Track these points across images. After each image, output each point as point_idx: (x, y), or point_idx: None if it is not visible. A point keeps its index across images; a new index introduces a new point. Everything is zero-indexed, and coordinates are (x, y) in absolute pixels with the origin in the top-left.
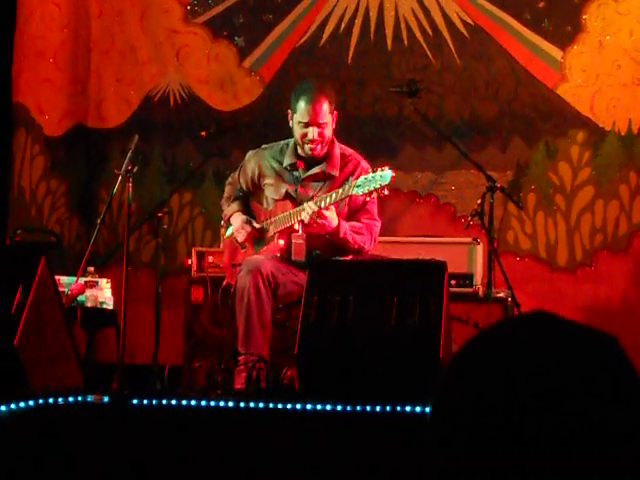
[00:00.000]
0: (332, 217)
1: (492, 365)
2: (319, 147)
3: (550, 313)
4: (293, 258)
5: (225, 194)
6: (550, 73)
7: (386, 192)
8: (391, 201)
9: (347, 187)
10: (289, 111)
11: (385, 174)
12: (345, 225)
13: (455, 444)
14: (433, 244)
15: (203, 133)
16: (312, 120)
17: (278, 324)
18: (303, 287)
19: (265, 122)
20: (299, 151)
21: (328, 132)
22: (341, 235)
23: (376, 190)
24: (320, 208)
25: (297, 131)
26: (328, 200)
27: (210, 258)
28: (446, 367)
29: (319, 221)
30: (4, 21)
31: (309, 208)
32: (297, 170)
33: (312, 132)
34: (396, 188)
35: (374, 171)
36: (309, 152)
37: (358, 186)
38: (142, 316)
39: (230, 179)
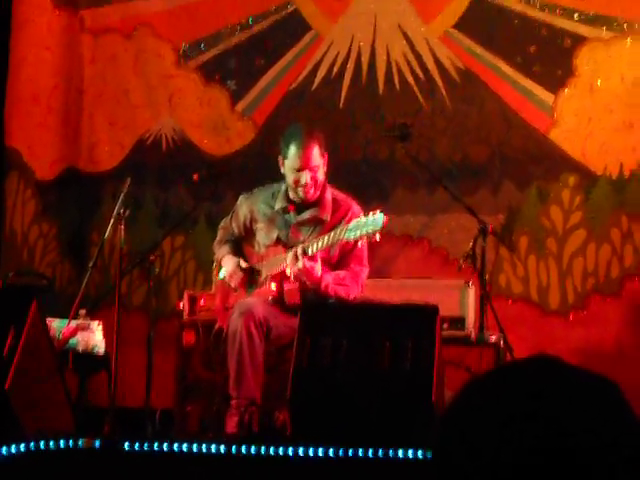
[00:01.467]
0: (315, 268)
1: (489, 413)
2: (312, 191)
3: (551, 357)
4: (287, 302)
5: (217, 237)
6: (541, 117)
7: (377, 238)
8: (384, 244)
9: (339, 231)
10: (280, 157)
11: (377, 218)
12: (328, 278)
13: None
14: (425, 287)
15: (195, 177)
16: (304, 165)
17: (270, 367)
18: (295, 330)
19: (258, 165)
20: (291, 195)
21: (320, 175)
22: (322, 289)
23: (367, 235)
24: (305, 254)
25: (289, 177)
26: (318, 245)
27: (202, 301)
28: (441, 415)
29: (302, 271)
30: None
31: (290, 256)
32: (288, 214)
33: (305, 177)
34: (389, 231)
35: (366, 215)
36: (302, 196)
37: (350, 230)
38: (134, 359)
39: (223, 223)
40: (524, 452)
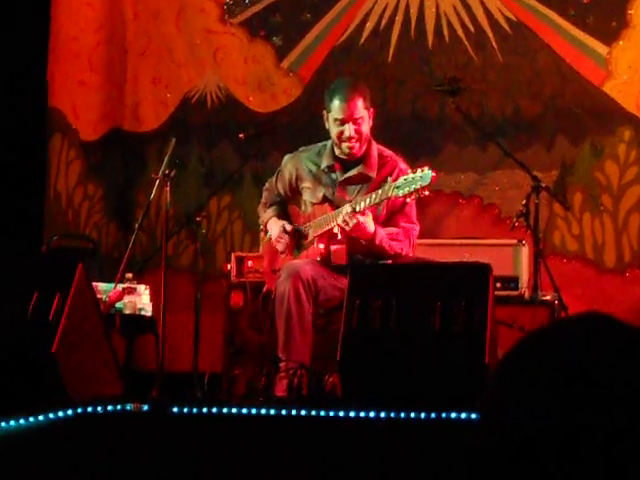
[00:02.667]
0: (368, 223)
1: (543, 368)
2: (356, 145)
3: (604, 314)
4: (333, 262)
5: (262, 200)
6: (595, 69)
7: (426, 193)
8: (434, 203)
9: (386, 188)
10: (324, 112)
11: (425, 174)
12: (381, 232)
13: (504, 454)
14: (477, 246)
15: (241, 135)
16: (347, 116)
17: (319, 330)
18: (344, 292)
19: (304, 123)
20: (336, 152)
21: (365, 129)
22: (377, 242)
23: (416, 191)
24: (355, 212)
25: (333, 130)
26: (365, 203)
27: (249, 263)
28: (493, 372)
29: (354, 227)
30: (38, 24)
31: (345, 212)
32: (334, 172)
33: (348, 129)
34: (438, 189)
35: (414, 171)
36: (347, 151)
37: (397, 187)
38: (181, 322)
39: (267, 185)
40: (580, 411)
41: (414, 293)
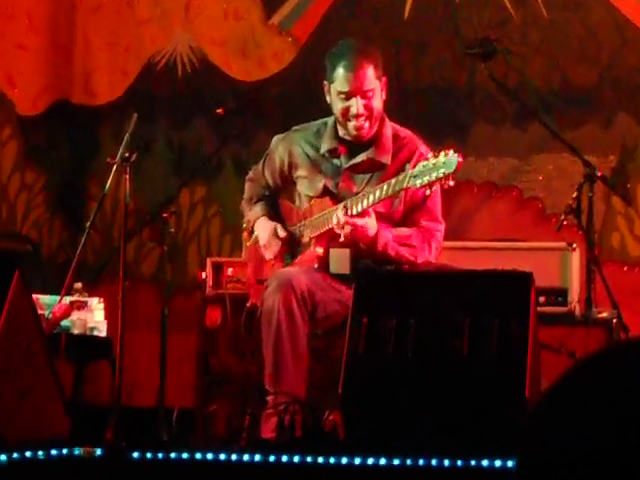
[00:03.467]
0: (368, 225)
1: (599, 406)
2: (367, 124)
3: None
4: (332, 270)
5: (246, 194)
6: None
7: (451, 183)
8: (461, 196)
9: (401, 178)
10: (325, 82)
11: (450, 160)
12: (386, 235)
13: None
14: (515, 250)
15: (219, 110)
16: (355, 89)
17: (317, 355)
18: (348, 307)
19: (299, 96)
20: (340, 132)
21: (377, 103)
22: (379, 249)
23: (438, 180)
24: (349, 215)
25: (337, 106)
26: (375, 197)
27: (230, 271)
28: (534, 410)
29: (348, 231)
30: None
31: (337, 215)
32: (338, 158)
33: (356, 105)
34: (467, 179)
35: (435, 156)
36: (354, 132)
37: (415, 176)
38: (144, 345)
39: (251, 174)
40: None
41: (436, 309)
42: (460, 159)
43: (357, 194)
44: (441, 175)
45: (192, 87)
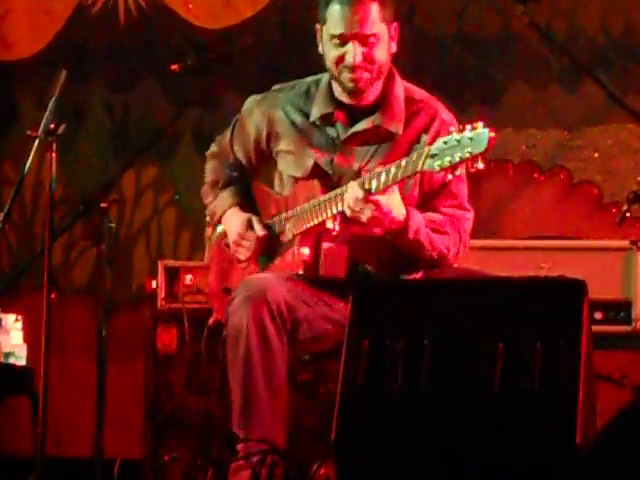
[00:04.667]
0: (394, 205)
1: None
2: (366, 75)
3: None
4: (322, 272)
5: (208, 176)
6: None
7: (480, 166)
8: (492, 179)
9: (415, 157)
10: (317, 25)
11: (479, 135)
12: (417, 218)
13: None
14: (563, 251)
15: (175, 67)
16: (352, 31)
17: (301, 389)
18: (343, 326)
19: (281, 47)
20: (337, 93)
21: (380, 54)
22: (410, 236)
23: (464, 162)
24: (369, 192)
25: (329, 54)
26: (384, 178)
27: (188, 278)
28: (587, 461)
29: (370, 213)
30: None
31: (352, 193)
32: (333, 125)
33: (352, 51)
34: (501, 158)
35: (460, 130)
36: (349, 85)
37: (434, 156)
38: (76, 376)
39: (215, 147)
40: None
41: (459, 329)
42: (493, 134)
43: (358, 173)
44: (467, 156)
45: (138, 38)
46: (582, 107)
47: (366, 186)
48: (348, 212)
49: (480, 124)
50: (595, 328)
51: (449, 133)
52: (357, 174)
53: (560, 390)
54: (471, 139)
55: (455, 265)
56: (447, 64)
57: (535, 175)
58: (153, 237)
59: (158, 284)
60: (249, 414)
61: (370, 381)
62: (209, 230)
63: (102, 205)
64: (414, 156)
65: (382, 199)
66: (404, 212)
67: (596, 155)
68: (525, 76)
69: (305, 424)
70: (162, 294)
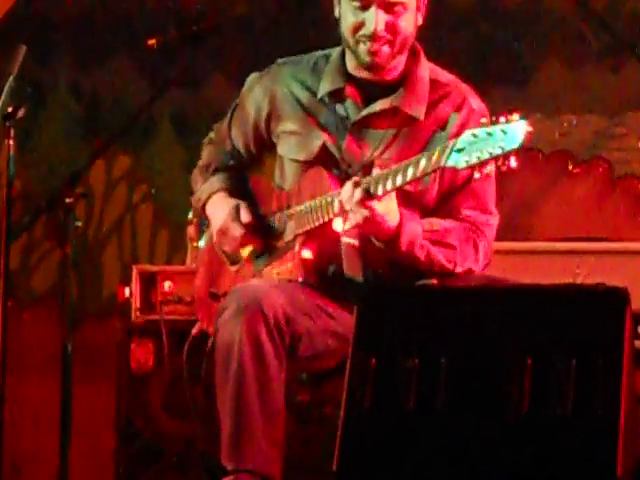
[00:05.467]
0: (390, 213)
1: None
2: (386, 48)
3: None
4: (345, 270)
5: (202, 159)
6: None
7: (513, 164)
8: (521, 172)
9: (439, 152)
10: None
11: (513, 128)
12: (414, 228)
13: None
14: (602, 255)
15: (152, 41)
16: None
17: (300, 413)
18: (348, 341)
19: (277, 18)
20: (350, 66)
21: (407, 25)
22: (403, 248)
23: (494, 160)
24: (369, 196)
25: (347, 18)
26: (394, 181)
27: (167, 285)
28: None
29: (360, 219)
30: None
31: (347, 193)
32: (343, 102)
33: (374, 19)
34: (530, 147)
35: (492, 122)
36: (366, 59)
37: (460, 150)
38: (36, 398)
39: (213, 134)
40: None
41: (481, 344)
42: (530, 128)
43: (370, 162)
44: (498, 152)
45: (110, 6)
46: (624, 89)
47: (370, 188)
48: (339, 214)
49: (516, 115)
50: (638, 343)
51: (479, 125)
52: (368, 166)
53: (597, 415)
54: (504, 132)
55: (478, 270)
56: (466, 39)
57: (570, 167)
58: (126, 238)
59: (132, 292)
60: (241, 442)
61: (378, 404)
62: (192, 229)
63: (67, 201)
64: (437, 150)
65: (379, 206)
66: (396, 220)
67: None
68: (558, 54)
69: (303, 453)
70: (137, 304)
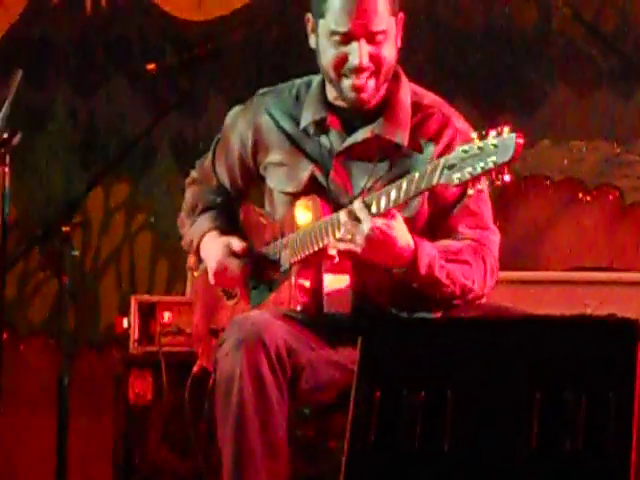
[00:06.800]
0: (399, 234)
1: None
2: (371, 83)
3: None
4: (327, 310)
5: (186, 204)
6: None
7: (507, 178)
8: (528, 199)
9: (430, 169)
10: (308, 16)
11: (504, 142)
12: (428, 249)
13: None
14: (613, 285)
15: (151, 66)
16: (358, 27)
17: (302, 447)
18: (351, 372)
19: (276, 43)
20: (330, 96)
21: (388, 52)
22: (423, 271)
23: (487, 174)
24: (372, 214)
25: (327, 53)
26: (389, 199)
27: (166, 316)
28: None
29: (372, 246)
30: None
31: (350, 215)
32: (326, 133)
33: (358, 52)
34: (538, 174)
35: (482, 137)
36: (350, 95)
37: (452, 167)
38: (32, 432)
39: (195, 173)
40: None
41: (489, 378)
42: (520, 140)
43: (361, 193)
44: (490, 166)
45: (108, 31)
46: (636, 115)
47: (371, 205)
48: (344, 241)
49: (506, 129)
50: None
51: (469, 140)
52: (359, 195)
53: (610, 450)
54: (495, 146)
55: (483, 300)
56: (474, 64)
57: (579, 195)
58: (124, 267)
59: (130, 323)
60: (243, 477)
61: (382, 439)
62: (192, 259)
63: (64, 229)
64: (429, 168)
65: (384, 226)
66: (411, 242)
67: None
68: (567, 77)
69: None
70: (135, 335)
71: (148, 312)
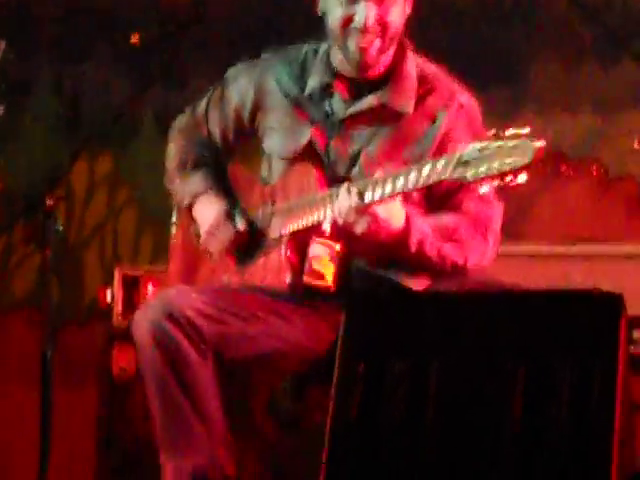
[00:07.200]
0: (394, 214)
1: None
2: (377, 42)
3: None
4: (306, 280)
5: (173, 157)
6: None
7: (523, 179)
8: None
9: (443, 164)
10: None
11: (524, 144)
12: (420, 226)
13: None
14: (597, 258)
15: (135, 39)
16: None
17: (285, 421)
18: (298, 344)
19: (267, 11)
20: (336, 62)
21: (396, 17)
22: (413, 249)
23: (502, 176)
24: (362, 203)
25: (334, 13)
26: (388, 189)
27: (151, 287)
28: None
29: (365, 226)
30: None
31: (345, 198)
32: (330, 97)
33: (364, 12)
34: None
35: (498, 136)
36: (356, 55)
37: (465, 163)
38: (15, 406)
39: (182, 121)
40: None
41: (474, 349)
42: (542, 144)
43: (355, 158)
44: (507, 169)
45: (93, 3)
46: (620, 87)
47: (364, 194)
48: (340, 220)
49: (527, 129)
50: (635, 350)
51: (486, 139)
52: (353, 160)
53: (592, 420)
54: (514, 147)
55: (476, 272)
56: (459, 35)
57: (563, 168)
58: (108, 241)
59: (114, 296)
60: (171, 434)
61: (366, 412)
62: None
63: (48, 203)
64: (441, 162)
65: (381, 210)
66: (402, 220)
67: (636, 145)
68: (552, 50)
69: (290, 463)
70: (119, 308)
71: (132, 284)
